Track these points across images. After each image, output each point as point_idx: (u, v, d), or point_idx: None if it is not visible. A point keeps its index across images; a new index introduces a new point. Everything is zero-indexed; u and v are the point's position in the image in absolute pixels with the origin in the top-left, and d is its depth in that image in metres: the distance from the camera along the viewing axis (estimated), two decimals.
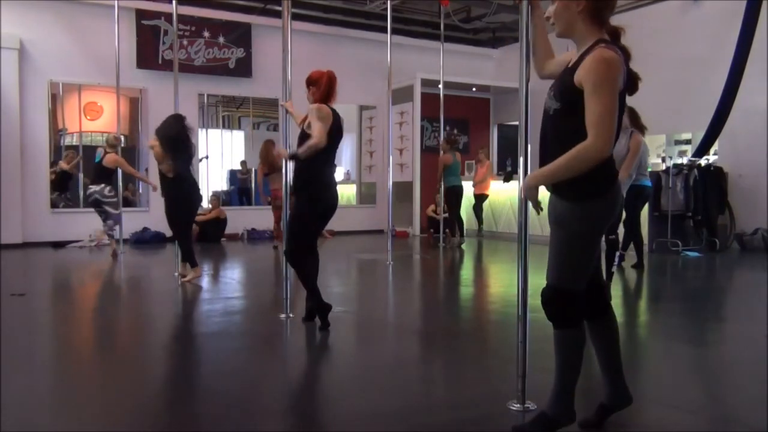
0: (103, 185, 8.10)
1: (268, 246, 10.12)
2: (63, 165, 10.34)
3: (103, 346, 4.19)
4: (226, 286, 6.74)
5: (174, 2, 7.06)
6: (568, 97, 2.22)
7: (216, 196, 11.30)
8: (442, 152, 9.85)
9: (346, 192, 13.51)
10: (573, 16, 2.26)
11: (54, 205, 10.23)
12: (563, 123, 2.25)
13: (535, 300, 2.51)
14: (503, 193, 10.96)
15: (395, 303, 5.94)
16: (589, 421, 2.50)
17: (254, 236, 11.33)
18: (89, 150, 10.30)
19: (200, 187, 6.94)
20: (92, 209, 8.36)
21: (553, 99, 2.26)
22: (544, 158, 2.30)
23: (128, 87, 10.07)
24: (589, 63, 2.16)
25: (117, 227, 8.50)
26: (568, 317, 2.33)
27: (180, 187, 6.16)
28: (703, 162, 9.22)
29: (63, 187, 10.49)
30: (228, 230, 11.03)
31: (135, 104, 11.01)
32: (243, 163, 12.27)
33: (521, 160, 2.72)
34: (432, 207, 11.39)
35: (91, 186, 8.23)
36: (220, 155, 12.08)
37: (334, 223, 12.42)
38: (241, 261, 8.89)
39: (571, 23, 2.27)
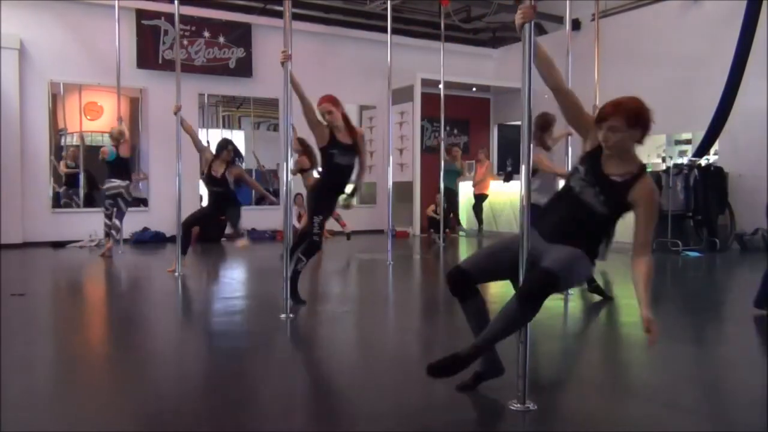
0: (127, 182, 8.25)
1: (269, 246, 10.12)
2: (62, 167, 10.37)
3: (103, 347, 4.19)
4: (226, 286, 6.75)
5: (175, 2, 7.05)
6: (619, 209, 2.66)
7: None
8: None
9: (346, 192, 13.51)
10: (627, 141, 2.60)
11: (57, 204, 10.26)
12: (603, 226, 2.71)
13: None
14: (503, 193, 10.96)
15: (395, 303, 5.94)
16: (465, 385, 2.83)
17: (254, 236, 11.32)
18: (90, 150, 10.31)
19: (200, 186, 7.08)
20: (103, 205, 8.43)
21: (603, 204, 2.65)
22: (559, 235, 2.67)
23: (128, 87, 10.07)
24: (648, 189, 2.61)
25: (120, 225, 8.55)
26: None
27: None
28: (703, 162, 9.22)
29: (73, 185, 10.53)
30: (228, 230, 11.01)
31: (135, 104, 11.01)
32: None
33: (522, 160, 2.72)
34: (432, 207, 11.39)
35: (113, 180, 8.22)
36: None
37: (335, 223, 12.44)
38: (242, 261, 8.89)
39: (624, 145, 2.61)
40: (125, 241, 9.43)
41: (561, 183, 5.98)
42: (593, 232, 2.71)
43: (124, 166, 8.26)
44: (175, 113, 6.70)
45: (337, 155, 4.85)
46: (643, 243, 2.61)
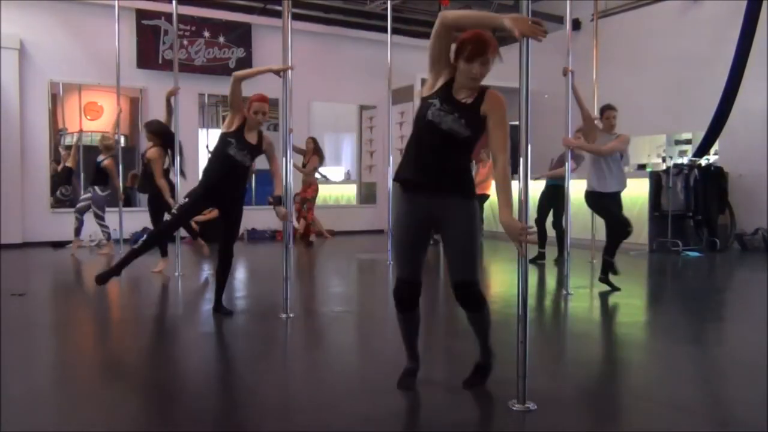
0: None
1: (269, 246, 10.11)
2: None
3: (103, 346, 4.19)
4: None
5: (174, 2, 7.05)
6: (478, 126, 2.75)
7: None
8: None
9: (346, 192, 13.51)
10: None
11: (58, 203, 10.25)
12: (467, 148, 2.81)
13: (535, 300, 2.50)
14: None
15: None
16: (470, 381, 2.98)
17: (254, 236, 11.34)
18: (89, 150, 10.30)
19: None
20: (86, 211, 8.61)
21: (465, 127, 2.73)
22: (432, 172, 2.77)
23: (128, 87, 10.06)
24: (495, 97, 2.76)
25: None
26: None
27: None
28: (703, 162, 9.23)
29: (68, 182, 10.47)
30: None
31: (135, 104, 11.01)
32: None
33: (521, 160, 2.72)
34: None
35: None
36: None
37: (335, 223, 12.37)
38: (242, 261, 8.89)
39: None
40: (125, 240, 9.42)
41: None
42: (462, 159, 2.84)
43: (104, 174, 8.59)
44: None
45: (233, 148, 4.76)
46: (503, 146, 2.72)
